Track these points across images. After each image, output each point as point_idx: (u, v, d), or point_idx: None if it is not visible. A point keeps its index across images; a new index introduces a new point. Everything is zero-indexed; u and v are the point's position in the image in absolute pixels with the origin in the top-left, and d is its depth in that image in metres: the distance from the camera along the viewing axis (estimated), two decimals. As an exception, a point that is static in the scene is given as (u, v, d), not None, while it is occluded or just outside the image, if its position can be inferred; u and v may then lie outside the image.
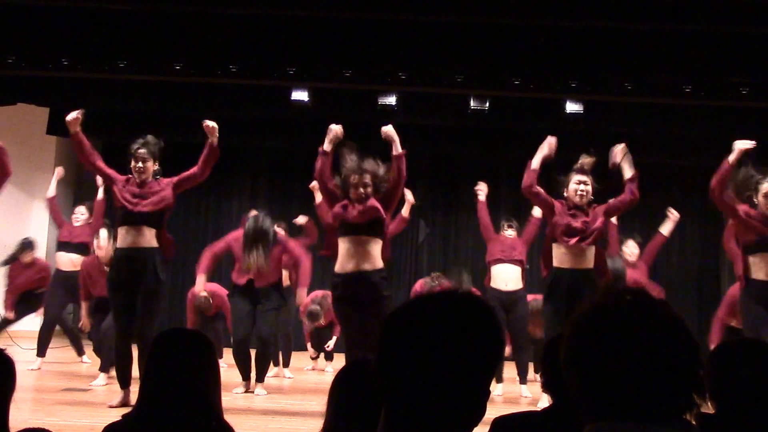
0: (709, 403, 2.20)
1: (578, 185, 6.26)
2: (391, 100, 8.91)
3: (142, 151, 6.26)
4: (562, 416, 2.38)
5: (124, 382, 6.04)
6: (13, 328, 8.32)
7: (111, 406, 5.88)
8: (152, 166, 6.33)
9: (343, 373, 2.08)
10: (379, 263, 5.63)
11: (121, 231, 6.14)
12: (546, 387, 2.65)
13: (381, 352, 1.34)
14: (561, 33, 7.79)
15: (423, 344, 1.29)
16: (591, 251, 6.05)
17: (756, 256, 5.83)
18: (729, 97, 8.22)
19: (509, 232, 7.85)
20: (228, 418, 2.40)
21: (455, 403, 1.29)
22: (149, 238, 6.11)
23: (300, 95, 8.92)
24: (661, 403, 1.29)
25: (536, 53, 7.88)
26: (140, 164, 6.23)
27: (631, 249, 7.94)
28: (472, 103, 8.90)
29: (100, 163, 6.35)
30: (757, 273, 5.81)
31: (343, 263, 5.62)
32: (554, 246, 6.18)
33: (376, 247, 5.63)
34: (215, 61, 8.18)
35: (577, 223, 6.09)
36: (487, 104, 8.91)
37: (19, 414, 5.20)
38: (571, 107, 8.77)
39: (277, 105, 9.29)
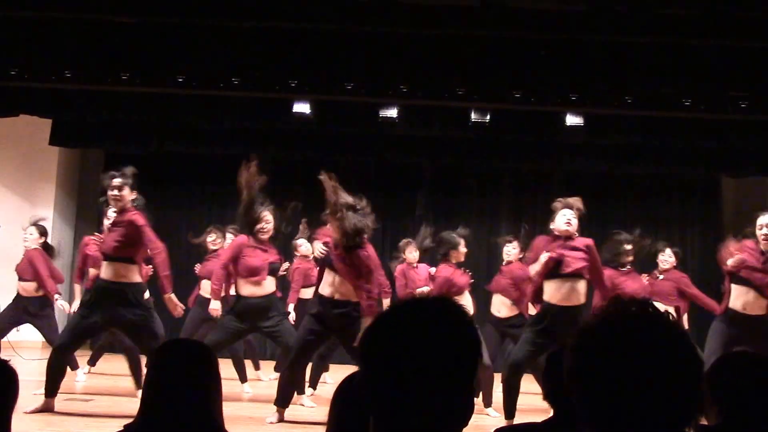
0: (707, 416, 2.24)
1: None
2: (392, 112, 8.93)
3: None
4: (563, 427, 2.39)
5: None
6: (15, 338, 8.32)
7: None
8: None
9: (345, 383, 2.09)
10: None
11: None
12: (547, 398, 2.65)
13: (363, 363, 1.35)
14: (561, 46, 7.82)
15: (402, 352, 1.30)
16: None
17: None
18: (728, 110, 8.24)
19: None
20: (229, 427, 2.41)
21: (441, 406, 1.30)
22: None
23: (302, 107, 8.93)
24: (663, 415, 1.29)
25: (537, 66, 7.91)
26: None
27: (666, 257, 8.13)
28: (472, 115, 8.90)
29: None
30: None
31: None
32: None
33: None
34: (218, 73, 8.22)
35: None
36: (488, 117, 8.92)
37: (21, 424, 5.23)
38: (572, 120, 8.77)
39: (279, 117, 9.31)
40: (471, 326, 1.36)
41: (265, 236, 6.93)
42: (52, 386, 6.27)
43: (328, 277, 6.39)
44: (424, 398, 1.29)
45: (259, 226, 6.85)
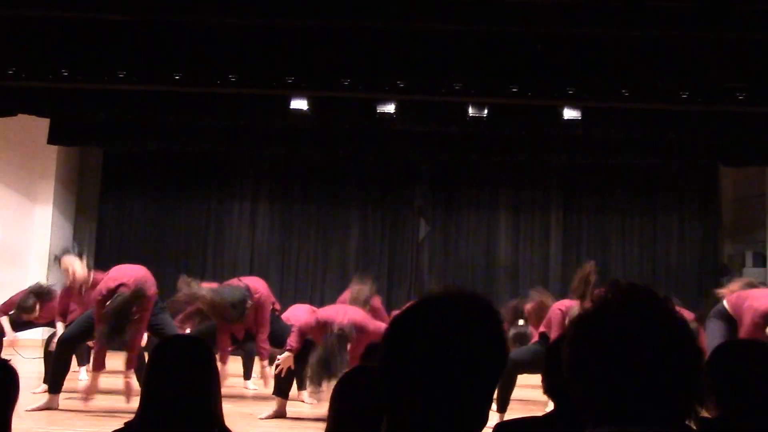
0: (707, 408, 2.22)
1: None
2: (390, 108, 8.91)
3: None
4: (564, 421, 2.38)
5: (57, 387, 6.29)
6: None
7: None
8: None
9: (344, 379, 2.10)
10: None
11: None
12: (548, 391, 2.66)
13: (384, 356, 1.32)
14: (558, 40, 7.80)
15: (426, 349, 1.27)
16: None
17: None
18: (725, 102, 8.23)
19: None
20: (230, 424, 2.42)
21: (458, 410, 1.28)
22: None
23: (299, 104, 8.91)
24: (663, 407, 1.28)
25: (534, 60, 7.90)
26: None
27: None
28: (470, 110, 8.89)
29: None
30: None
31: None
32: None
33: None
34: (215, 70, 8.19)
35: None
36: (486, 111, 8.91)
37: (21, 423, 5.23)
38: (569, 114, 8.75)
39: (277, 113, 9.30)
40: (501, 331, 1.34)
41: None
42: (56, 382, 6.27)
43: None
44: (445, 399, 1.27)
45: None
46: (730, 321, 6.56)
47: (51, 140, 10.86)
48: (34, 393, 6.75)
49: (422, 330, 1.29)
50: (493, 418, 5.83)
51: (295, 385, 6.83)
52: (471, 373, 1.28)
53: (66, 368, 6.40)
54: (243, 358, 8.20)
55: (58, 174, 11.90)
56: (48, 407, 6.18)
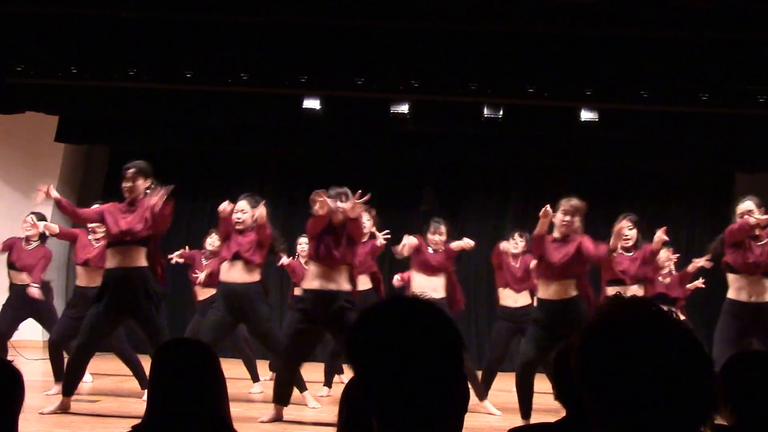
0: (722, 416, 2.21)
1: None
2: (404, 108, 8.84)
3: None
4: (577, 427, 2.37)
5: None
6: (16, 338, 8.22)
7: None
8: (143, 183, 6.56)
9: (352, 383, 2.05)
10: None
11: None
12: (558, 398, 2.63)
13: (350, 365, 1.36)
14: (576, 40, 7.74)
15: (383, 354, 1.32)
16: None
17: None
18: (746, 105, 8.17)
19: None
20: (239, 427, 2.39)
21: (436, 399, 1.31)
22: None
23: (312, 103, 8.86)
24: (675, 415, 1.27)
25: (551, 61, 7.82)
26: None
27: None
28: (485, 111, 8.82)
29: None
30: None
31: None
32: None
33: None
34: (226, 69, 8.16)
35: None
36: (501, 112, 8.83)
37: (27, 426, 5.15)
38: (586, 115, 8.69)
39: (289, 113, 9.23)
40: (446, 318, 1.38)
41: (239, 227, 6.95)
42: (70, 386, 6.26)
43: (314, 269, 6.27)
44: (418, 394, 1.31)
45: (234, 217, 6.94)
46: (738, 317, 6.45)
47: (59, 138, 10.80)
48: (47, 395, 6.72)
49: (373, 336, 1.35)
50: (517, 423, 5.75)
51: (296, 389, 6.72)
52: (432, 364, 1.31)
53: (82, 374, 6.46)
54: (244, 361, 8.07)
55: (62, 173, 11.82)
56: (61, 409, 6.16)
